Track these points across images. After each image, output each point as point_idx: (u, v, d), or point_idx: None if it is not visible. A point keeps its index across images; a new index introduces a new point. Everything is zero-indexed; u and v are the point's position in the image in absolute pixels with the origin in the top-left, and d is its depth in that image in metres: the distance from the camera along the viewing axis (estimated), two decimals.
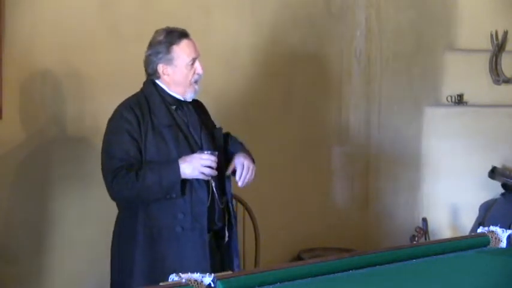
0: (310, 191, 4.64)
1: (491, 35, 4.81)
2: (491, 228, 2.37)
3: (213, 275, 1.82)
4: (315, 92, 4.70)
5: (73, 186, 3.69)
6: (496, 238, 2.33)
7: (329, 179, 4.77)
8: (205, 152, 2.78)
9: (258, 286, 1.85)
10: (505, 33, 4.83)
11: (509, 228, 2.37)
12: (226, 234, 2.95)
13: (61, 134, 3.67)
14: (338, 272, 2.00)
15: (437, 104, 4.89)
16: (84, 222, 3.71)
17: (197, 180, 2.79)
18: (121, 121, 2.81)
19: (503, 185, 4.46)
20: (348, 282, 1.97)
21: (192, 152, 2.81)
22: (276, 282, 1.88)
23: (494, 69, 4.82)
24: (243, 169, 2.90)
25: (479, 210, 4.43)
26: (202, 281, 1.80)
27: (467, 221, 4.56)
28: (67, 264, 3.68)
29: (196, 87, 2.91)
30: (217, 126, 3.07)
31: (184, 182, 2.77)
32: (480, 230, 2.39)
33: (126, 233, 2.86)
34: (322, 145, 4.74)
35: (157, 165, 2.76)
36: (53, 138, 3.65)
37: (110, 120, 2.87)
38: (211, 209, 2.84)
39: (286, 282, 1.89)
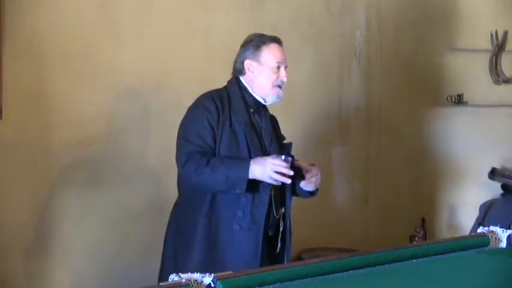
0: None
1: (491, 35, 4.81)
2: (491, 228, 2.37)
3: (213, 274, 1.82)
4: (315, 92, 4.69)
5: (73, 187, 3.69)
6: (496, 238, 2.33)
7: (329, 179, 4.77)
8: (281, 157, 2.74)
9: (258, 286, 1.85)
10: (505, 33, 4.83)
11: (509, 228, 2.38)
12: (279, 245, 2.95)
13: (61, 134, 3.66)
14: (338, 272, 2.00)
15: (437, 104, 4.89)
16: (85, 222, 3.71)
17: (262, 182, 2.78)
18: (201, 108, 2.84)
19: (503, 186, 4.46)
20: (348, 282, 1.97)
21: (263, 154, 2.82)
22: (276, 282, 1.88)
23: (494, 69, 4.82)
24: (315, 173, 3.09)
25: (479, 210, 4.43)
26: (202, 281, 1.79)
27: (467, 221, 4.56)
28: (68, 264, 3.68)
29: (280, 91, 2.92)
30: (288, 141, 3.06)
31: (253, 181, 2.75)
32: (480, 230, 2.40)
33: (185, 221, 2.84)
34: (322, 145, 4.74)
35: (229, 159, 2.77)
36: (53, 139, 3.65)
37: (190, 108, 2.89)
38: (266, 214, 2.85)
39: (286, 282, 1.89)
